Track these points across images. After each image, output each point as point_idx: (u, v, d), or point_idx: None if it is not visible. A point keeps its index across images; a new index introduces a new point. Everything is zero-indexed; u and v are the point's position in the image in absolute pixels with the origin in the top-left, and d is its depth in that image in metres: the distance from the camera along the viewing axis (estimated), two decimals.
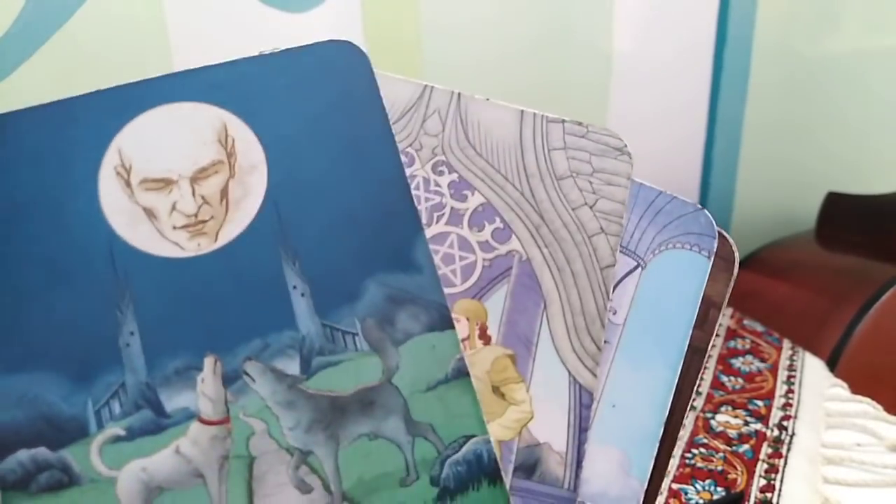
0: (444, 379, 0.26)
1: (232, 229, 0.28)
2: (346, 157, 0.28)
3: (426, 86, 0.26)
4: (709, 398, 0.55)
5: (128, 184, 0.27)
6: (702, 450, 0.49)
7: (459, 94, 0.26)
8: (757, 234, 0.97)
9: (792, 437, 0.50)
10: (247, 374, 0.27)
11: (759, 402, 0.54)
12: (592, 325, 0.24)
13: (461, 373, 0.25)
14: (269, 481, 0.26)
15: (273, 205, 0.28)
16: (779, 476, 0.46)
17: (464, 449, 0.25)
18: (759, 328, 0.65)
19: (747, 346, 0.62)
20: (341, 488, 0.26)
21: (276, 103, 0.29)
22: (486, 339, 0.25)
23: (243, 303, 0.27)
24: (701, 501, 0.44)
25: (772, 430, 0.51)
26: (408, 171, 0.26)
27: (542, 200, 0.25)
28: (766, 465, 0.47)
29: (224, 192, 0.28)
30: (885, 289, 0.71)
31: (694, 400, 0.55)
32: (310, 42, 0.30)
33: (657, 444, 0.24)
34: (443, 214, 0.26)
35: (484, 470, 0.25)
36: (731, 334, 0.65)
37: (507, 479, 0.24)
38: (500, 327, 0.25)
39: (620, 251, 0.24)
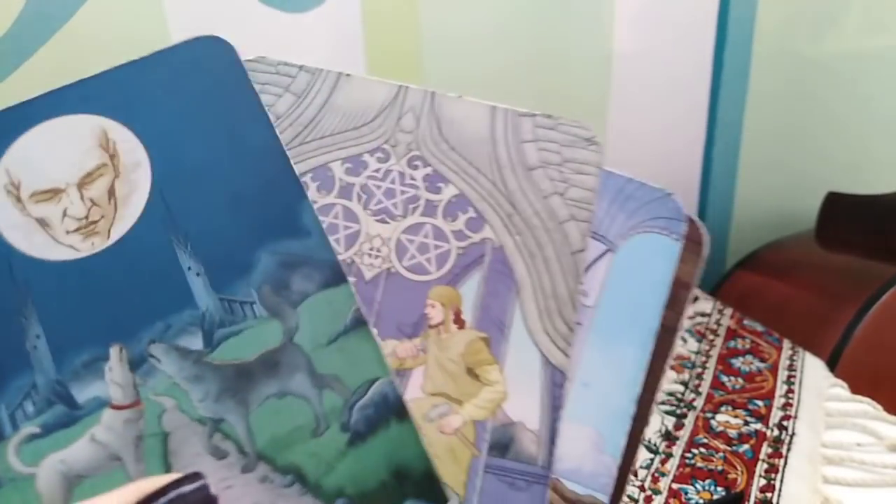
0: (343, 331, 0.27)
1: (123, 225, 0.30)
2: (224, 141, 0.30)
3: (401, 86, 0.27)
4: (709, 398, 0.55)
5: (18, 199, 0.29)
6: (702, 450, 0.49)
7: (433, 93, 0.27)
8: (757, 234, 0.97)
9: (792, 436, 0.50)
10: (152, 356, 0.29)
11: (759, 402, 0.54)
12: (564, 307, 0.25)
13: (359, 322, 0.27)
14: (184, 453, 0.27)
15: (160, 196, 0.30)
16: (779, 476, 0.46)
17: (370, 392, 0.27)
18: (759, 328, 0.65)
19: (747, 346, 0.63)
20: (256, 448, 0.27)
21: (151, 102, 0.31)
22: (460, 323, 0.25)
23: (142, 290, 0.29)
24: (701, 501, 0.44)
25: (772, 430, 0.51)
26: (384, 167, 0.27)
27: (514, 190, 0.26)
28: (766, 465, 0.47)
29: (111, 192, 0.30)
30: (885, 289, 0.71)
31: (693, 401, 0.55)
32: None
33: (630, 422, 0.24)
34: (418, 206, 0.27)
35: (391, 408, 0.26)
36: (731, 334, 0.65)
37: (483, 457, 0.25)
38: (474, 312, 0.25)
39: (592, 236, 0.25)
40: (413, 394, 0.26)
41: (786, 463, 0.47)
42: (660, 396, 0.55)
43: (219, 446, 0.28)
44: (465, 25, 0.77)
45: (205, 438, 0.28)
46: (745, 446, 0.49)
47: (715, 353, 0.62)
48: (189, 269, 0.29)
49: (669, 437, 0.50)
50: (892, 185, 0.82)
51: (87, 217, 0.29)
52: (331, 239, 0.27)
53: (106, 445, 0.28)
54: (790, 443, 0.49)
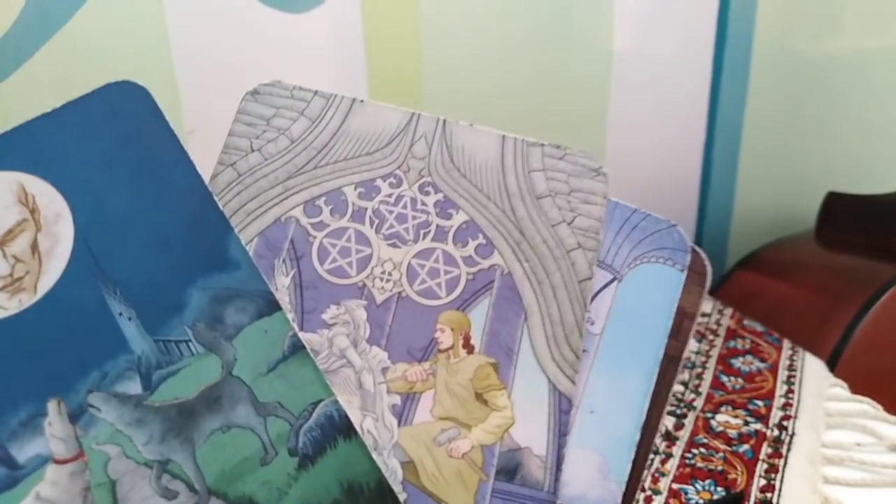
0: (281, 358, 0.28)
1: (49, 278, 0.29)
2: (145, 183, 0.30)
3: (413, 113, 0.28)
4: (709, 398, 0.55)
5: None
6: (702, 450, 0.49)
7: (445, 120, 0.27)
8: (757, 234, 0.97)
9: (792, 436, 0.50)
10: (91, 405, 0.28)
11: (759, 402, 0.54)
12: (571, 335, 0.25)
13: (297, 348, 0.27)
14: (134, 498, 0.27)
15: (84, 245, 0.30)
16: (779, 476, 0.46)
17: (314, 415, 0.27)
18: (759, 328, 0.65)
19: (747, 346, 0.63)
20: (206, 485, 0.27)
21: (68, 152, 0.31)
22: (469, 348, 0.26)
23: (74, 341, 0.29)
24: (701, 501, 0.44)
25: (772, 430, 0.51)
26: (396, 192, 0.28)
27: (523, 218, 0.27)
28: (766, 465, 0.47)
29: (34, 246, 0.29)
30: (885, 289, 0.71)
31: (693, 401, 0.55)
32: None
33: (634, 449, 0.25)
34: (429, 231, 0.27)
35: (337, 428, 0.27)
36: (731, 334, 0.65)
37: (490, 481, 0.25)
38: (482, 337, 0.26)
39: (598, 265, 0.26)
40: (422, 417, 0.26)
41: (786, 463, 0.47)
42: None
43: (168, 487, 0.28)
44: (465, 13, 0.77)
45: (153, 481, 0.28)
46: (745, 446, 0.49)
47: (715, 353, 0.62)
48: (120, 314, 0.29)
49: (669, 437, 0.50)
50: (893, 185, 0.82)
51: (11, 275, 0.29)
52: (343, 262, 0.27)
53: (53, 502, 0.27)
54: (790, 443, 0.49)
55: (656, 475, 0.47)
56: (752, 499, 0.44)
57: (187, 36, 0.60)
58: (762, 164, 0.97)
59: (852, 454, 0.48)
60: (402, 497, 0.25)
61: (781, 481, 0.46)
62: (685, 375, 0.58)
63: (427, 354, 0.26)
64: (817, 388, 0.56)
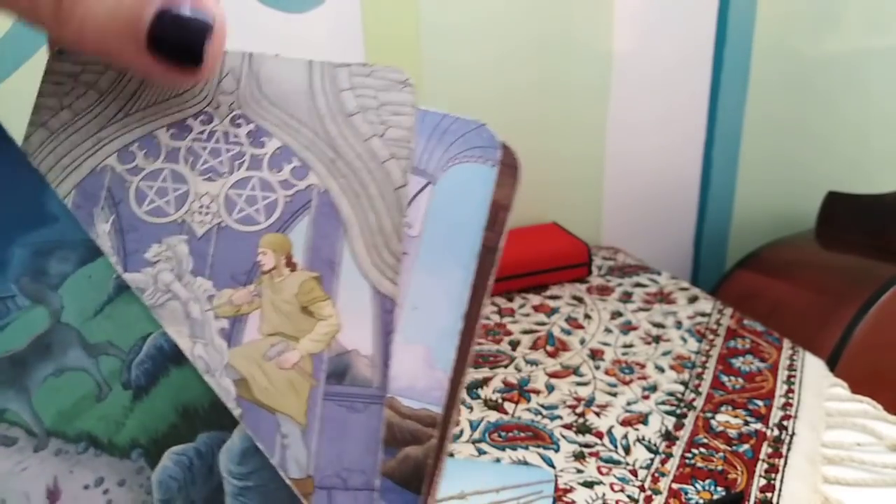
0: (108, 300, 0.28)
1: None
2: None
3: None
4: (709, 398, 0.55)
5: None
6: (702, 450, 0.49)
7: (251, 53, 0.28)
8: (757, 234, 0.97)
9: (792, 436, 0.50)
10: None
11: (760, 402, 0.54)
12: (390, 240, 0.27)
13: (122, 288, 0.28)
14: None
15: None
16: (779, 476, 0.46)
17: (144, 348, 0.28)
18: (759, 328, 0.65)
19: (747, 346, 0.63)
20: (45, 427, 0.28)
21: None
22: (292, 266, 0.27)
23: None
24: (701, 501, 0.44)
25: (772, 430, 0.51)
26: (207, 128, 0.28)
27: (336, 137, 0.28)
28: (766, 465, 0.47)
29: None
30: (885, 289, 0.71)
31: (693, 401, 0.55)
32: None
33: (458, 337, 0.26)
34: (243, 162, 0.28)
35: (168, 357, 0.28)
36: (731, 334, 0.65)
37: (321, 386, 0.26)
38: (305, 254, 0.27)
39: (413, 172, 0.27)
40: (251, 336, 0.27)
41: (786, 463, 0.47)
42: (660, 396, 0.55)
43: (6, 434, 0.28)
44: (465, 17, 0.77)
45: None
46: (745, 446, 0.49)
47: (715, 353, 0.62)
48: None
49: (669, 437, 0.50)
50: (893, 185, 0.82)
51: None
52: (161, 202, 0.28)
53: None
54: (790, 443, 0.49)
55: (656, 475, 0.47)
56: (752, 499, 0.44)
57: None
58: (762, 165, 0.97)
59: (852, 454, 0.48)
60: (237, 412, 0.27)
61: (781, 481, 0.46)
62: (685, 375, 0.58)
63: (251, 278, 0.27)
64: (817, 387, 0.56)
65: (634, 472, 0.47)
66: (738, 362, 0.60)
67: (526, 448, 0.50)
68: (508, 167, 0.27)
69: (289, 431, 0.27)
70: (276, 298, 0.27)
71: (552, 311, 0.70)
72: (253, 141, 0.28)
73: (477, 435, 0.51)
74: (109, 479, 0.28)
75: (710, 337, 0.65)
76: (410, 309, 0.27)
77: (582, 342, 0.64)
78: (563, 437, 0.51)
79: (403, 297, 0.27)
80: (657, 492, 0.45)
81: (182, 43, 0.25)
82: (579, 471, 0.47)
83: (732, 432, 0.51)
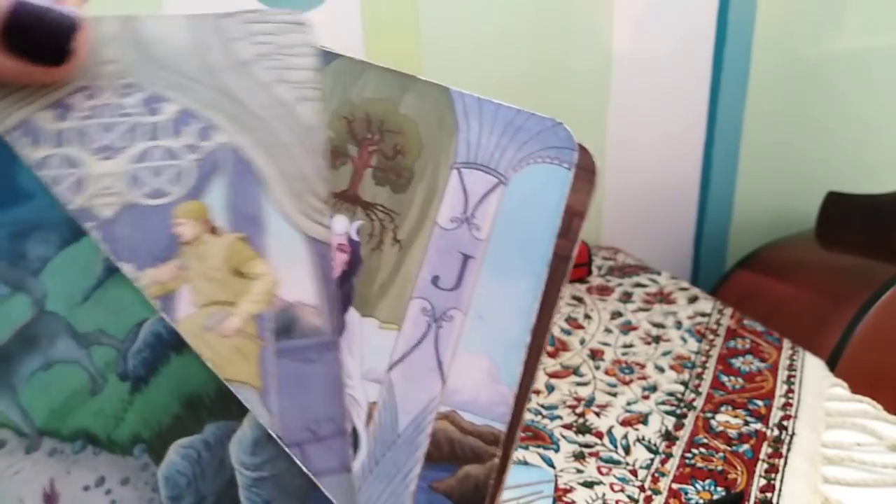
0: (96, 284, 0.26)
1: None
2: None
3: (94, 18, 0.26)
4: (709, 398, 0.55)
5: None
6: (702, 450, 0.49)
7: (127, 16, 0.26)
8: (757, 234, 0.97)
9: (792, 436, 0.50)
10: None
11: (759, 402, 0.54)
12: (313, 184, 0.25)
13: (111, 271, 0.26)
14: None
15: None
16: (779, 476, 0.46)
17: (141, 335, 0.26)
18: (759, 328, 0.65)
19: (747, 346, 0.63)
20: (35, 427, 0.26)
21: None
22: (214, 231, 0.26)
23: None
24: (701, 501, 0.44)
25: (772, 430, 0.51)
26: (93, 103, 0.26)
27: (236, 90, 0.26)
28: (766, 465, 0.47)
29: None
30: (885, 289, 0.71)
31: (693, 401, 0.55)
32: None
33: (525, 351, 0.24)
34: (141, 132, 0.26)
35: (167, 344, 0.26)
36: (731, 334, 0.65)
37: (270, 345, 0.25)
38: (226, 216, 0.25)
39: (482, 170, 0.25)
40: (187, 311, 0.26)
41: (786, 463, 0.47)
42: (660, 396, 0.55)
43: None
44: (465, 11, 0.77)
45: None
46: (745, 446, 0.49)
47: (715, 352, 0.62)
48: None
49: (669, 437, 0.50)
50: (893, 185, 0.82)
51: None
52: (57, 190, 0.25)
53: None
54: (790, 443, 0.49)
55: (656, 475, 0.47)
56: (752, 499, 0.44)
57: None
58: (762, 164, 0.97)
59: (852, 454, 0.48)
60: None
61: (781, 481, 0.46)
62: (685, 375, 0.58)
63: (172, 252, 0.25)
64: (817, 387, 0.56)
65: (634, 473, 0.47)
66: (738, 362, 0.60)
67: (526, 448, 0.49)
68: (585, 171, 0.25)
69: (246, 397, 0.25)
70: (205, 267, 0.26)
71: None
72: (148, 109, 0.26)
73: None
74: (111, 478, 0.27)
75: (710, 337, 0.64)
76: (476, 317, 0.25)
77: (582, 342, 0.64)
78: (563, 437, 0.51)
79: (468, 304, 0.25)
80: (657, 492, 0.45)
81: (43, 37, 0.23)
82: (579, 471, 0.47)
83: (732, 432, 0.51)
